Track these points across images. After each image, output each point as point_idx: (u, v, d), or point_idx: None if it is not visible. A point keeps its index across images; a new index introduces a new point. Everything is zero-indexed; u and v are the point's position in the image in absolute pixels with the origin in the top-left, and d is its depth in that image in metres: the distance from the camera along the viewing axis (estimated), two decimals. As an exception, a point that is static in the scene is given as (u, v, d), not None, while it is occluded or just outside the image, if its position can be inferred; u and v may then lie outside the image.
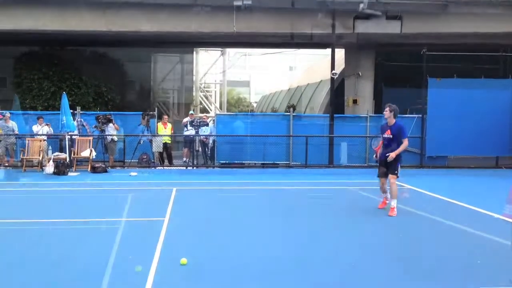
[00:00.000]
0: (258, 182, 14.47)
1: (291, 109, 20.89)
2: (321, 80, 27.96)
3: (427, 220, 9.33)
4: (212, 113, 35.04)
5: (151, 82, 28.10)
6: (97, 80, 23.44)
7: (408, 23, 20.37)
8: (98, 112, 19.44)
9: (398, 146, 9.44)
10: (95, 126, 17.62)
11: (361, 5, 19.40)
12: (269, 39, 24.53)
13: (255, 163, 18.25)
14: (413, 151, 17.96)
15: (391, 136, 9.56)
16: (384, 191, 9.95)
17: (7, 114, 17.12)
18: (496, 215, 9.04)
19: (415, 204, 10.56)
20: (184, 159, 18.68)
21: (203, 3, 20.19)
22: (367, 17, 20.18)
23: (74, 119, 17.11)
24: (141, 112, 18.62)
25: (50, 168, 15.25)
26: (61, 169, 15.10)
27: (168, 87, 28.53)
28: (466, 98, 17.72)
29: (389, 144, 9.60)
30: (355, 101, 22.22)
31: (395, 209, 9.39)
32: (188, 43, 27.81)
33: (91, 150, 16.51)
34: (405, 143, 9.50)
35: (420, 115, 18.33)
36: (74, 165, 16.34)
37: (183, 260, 6.18)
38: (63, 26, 20.49)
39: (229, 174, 16.33)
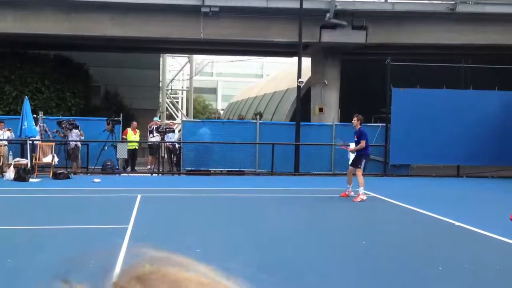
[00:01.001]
0: (224, 189, 14.41)
1: (258, 117, 20.91)
2: (288, 88, 28.17)
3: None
4: (178, 120, 34.80)
5: (116, 87, 27.73)
6: (60, 84, 23.00)
7: (373, 33, 20.79)
8: (61, 117, 19.04)
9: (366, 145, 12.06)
10: (57, 131, 17.27)
11: (328, 15, 19.70)
12: (236, 46, 24.66)
13: (221, 171, 18.21)
14: (377, 159, 18.24)
15: (356, 139, 12.20)
16: (349, 183, 12.23)
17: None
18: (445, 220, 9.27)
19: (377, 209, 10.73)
20: (149, 166, 18.50)
21: (170, 8, 20.15)
22: (333, 26, 20.50)
23: (36, 124, 16.72)
24: (106, 118, 18.37)
25: (10, 174, 14.82)
26: (22, 175, 14.69)
27: (134, 93, 28.19)
28: (429, 108, 18.09)
29: (355, 145, 12.26)
30: (321, 110, 22.43)
31: (361, 196, 11.67)
32: (154, 48, 27.66)
33: (53, 156, 16.15)
34: (362, 144, 12.00)
35: (384, 124, 18.62)
36: (36, 171, 15.94)
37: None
38: (25, 29, 20.12)
39: (194, 181, 16.22)
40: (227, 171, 18.19)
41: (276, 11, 20.61)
